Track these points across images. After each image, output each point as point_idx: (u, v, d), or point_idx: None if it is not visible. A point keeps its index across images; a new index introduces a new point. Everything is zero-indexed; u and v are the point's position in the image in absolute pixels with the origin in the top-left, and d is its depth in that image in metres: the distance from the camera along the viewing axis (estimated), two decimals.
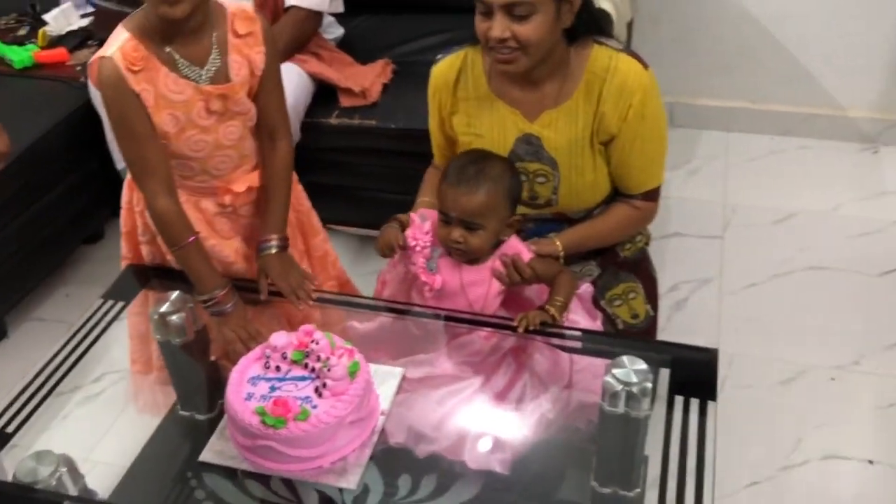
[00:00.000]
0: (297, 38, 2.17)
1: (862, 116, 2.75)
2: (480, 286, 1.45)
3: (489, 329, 1.45)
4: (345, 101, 2.18)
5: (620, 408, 1.26)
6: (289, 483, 1.23)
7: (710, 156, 2.76)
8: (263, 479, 1.24)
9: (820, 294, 2.19)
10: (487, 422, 1.37)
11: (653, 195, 1.60)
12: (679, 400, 1.30)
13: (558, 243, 1.52)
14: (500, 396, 1.40)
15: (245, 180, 1.51)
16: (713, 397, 1.29)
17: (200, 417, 1.43)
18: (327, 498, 1.21)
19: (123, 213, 1.58)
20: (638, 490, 1.25)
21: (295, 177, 1.60)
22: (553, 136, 1.51)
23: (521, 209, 1.53)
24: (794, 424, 1.86)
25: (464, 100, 1.56)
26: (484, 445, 1.31)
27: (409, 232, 1.44)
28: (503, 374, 1.43)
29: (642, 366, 1.27)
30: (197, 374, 1.48)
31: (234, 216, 1.54)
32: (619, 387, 1.25)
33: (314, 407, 1.18)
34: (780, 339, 2.06)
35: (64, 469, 1.20)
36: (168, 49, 1.36)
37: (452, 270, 1.45)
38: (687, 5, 2.72)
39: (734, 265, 2.30)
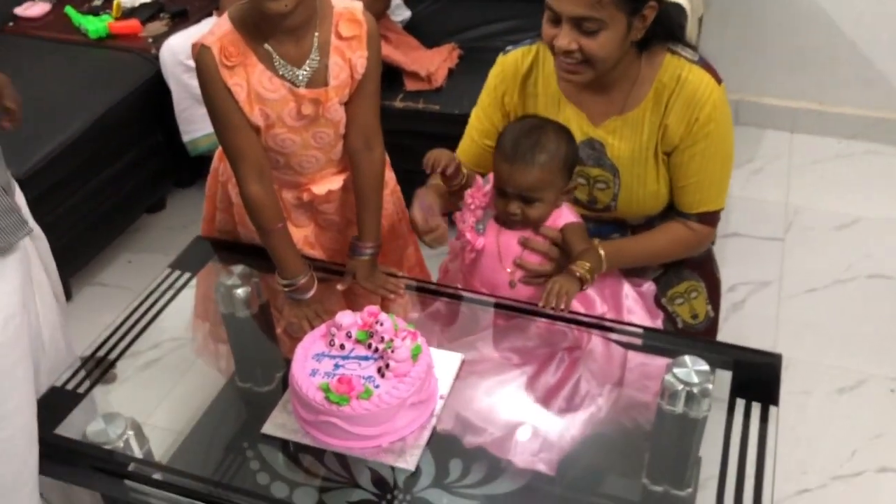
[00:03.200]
0: None
1: None
2: (517, 251, 1.45)
3: (544, 320, 1.44)
4: (410, 85, 2.19)
5: (679, 407, 1.26)
6: (342, 460, 1.24)
7: (773, 156, 2.73)
8: (317, 453, 1.25)
9: (881, 303, 2.15)
10: (536, 418, 1.35)
11: (709, 219, 1.53)
12: (740, 403, 1.28)
13: (602, 252, 1.47)
14: (552, 392, 1.39)
15: (327, 182, 1.50)
16: (775, 402, 1.28)
17: (258, 390, 1.45)
18: (379, 476, 1.23)
19: (210, 178, 1.60)
20: (690, 490, 1.23)
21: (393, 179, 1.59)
22: (616, 143, 1.48)
23: (579, 210, 1.51)
24: (850, 434, 1.83)
25: (532, 95, 1.54)
26: (531, 445, 1.29)
27: (468, 191, 1.46)
28: (556, 368, 1.41)
29: (704, 367, 1.27)
30: (257, 348, 1.51)
31: (311, 210, 1.54)
32: (680, 386, 1.25)
33: (377, 387, 1.19)
34: (838, 347, 2.04)
35: (131, 432, 1.24)
36: (267, 45, 1.33)
37: (497, 236, 1.45)
38: (758, 2, 2.68)
39: (794, 269, 2.27)
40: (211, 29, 1.32)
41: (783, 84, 2.81)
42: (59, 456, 1.25)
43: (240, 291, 1.44)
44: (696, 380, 1.25)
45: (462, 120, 2.10)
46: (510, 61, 1.55)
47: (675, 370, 1.26)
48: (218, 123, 1.37)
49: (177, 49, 2.30)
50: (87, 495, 1.46)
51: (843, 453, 1.79)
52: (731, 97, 2.75)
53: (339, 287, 1.49)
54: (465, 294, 1.51)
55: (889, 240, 2.34)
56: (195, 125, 2.36)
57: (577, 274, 1.38)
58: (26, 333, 1.25)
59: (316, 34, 1.34)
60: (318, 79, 1.36)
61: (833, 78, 2.73)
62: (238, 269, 1.47)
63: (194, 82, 2.31)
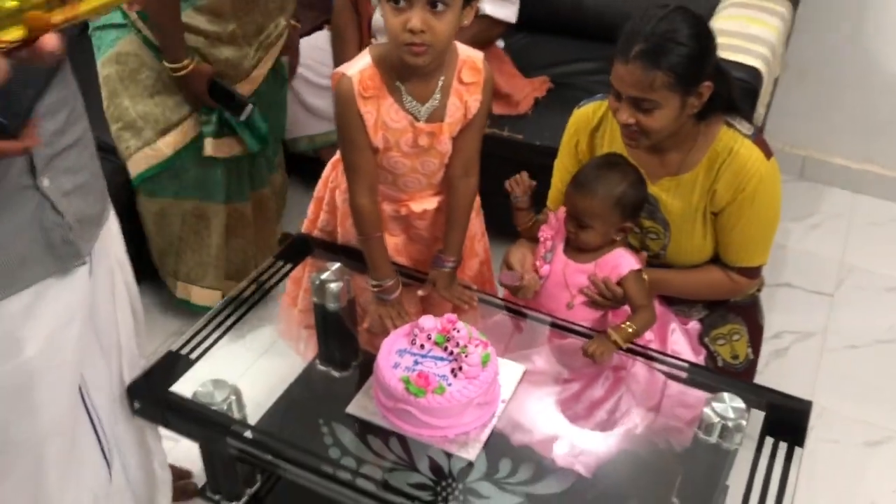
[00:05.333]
0: (478, 43, 2.35)
1: None
2: (578, 280, 1.61)
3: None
4: (497, 109, 2.33)
5: (714, 438, 1.38)
6: (405, 445, 1.41)
7: (834, 213, 2.82)
8: (383, 436, 1.41)
9: None
10: (579, 425, 1.50)
11: (749, 273, 1.65)
12: (769, 442, 1.42)
13: (645, 277, 1.60)
14: (596, 405, 1.53)
15: (425, 202, 1.65)
16: (801, 444, 1.41)
17: (335, 374, 1.62)
18: (437, 465, 1.38)
19: (320, 183, 1.78)
20: None
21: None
22: (669, 201, 1.61)
23: None
24: (872, 486, 1.94)
25: (599, 147, 1.68)
26: (572, 447, 1.44)
27: (543, 225, 1.65)
28: (601, 385, 1.56)
29: (740, 405, 1.39)
30: (340, 338, 1.67)
31: (405, 224, 1.70)
32: (717, 419, 1.38)
33: (449, 385, 1.36)
34: (872, 403, 2.14)
35: (234, 398, 1.43)
36: (398, 83, 1.49)
37: (561, 265, 1.62)
38: (835, 64, 2.78)
39: (839, 324, 2.37)
40: (352, 61, 1.51)
41: (850, 145, 2.88)
42: (172, 410, 1.44)
43: (333, 286, 1.59)
44: (731, 415, 1.37)
45: (541, 150, 2.26)
46: (583, 114, 1.70)
47: (714, 404, 1.39)
48: (344, 141, 1.55)
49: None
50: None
51: (862, 503, 1.90)
52: (799, 153, 2.87)
53: (420, 293, 1.67)
54: (527, 311, 1.66)
55: None
56: (296, 126, 2.55)
57: (613, 338, 1.51)
58: (77, 342, 1.28)
59: (442, 78, 1.50)
60: (436, 115, 1.53)
61: None
62: (334, 266, 1.62)
63: (302, 90, 2.51)
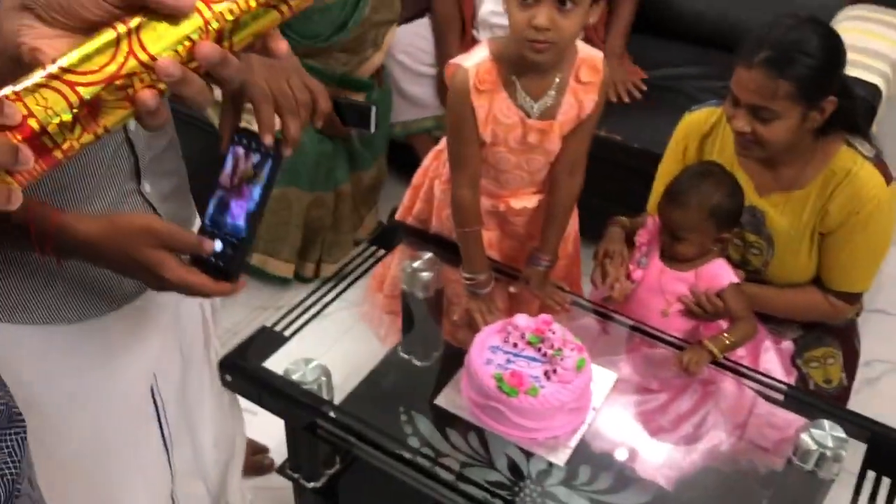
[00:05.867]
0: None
1: None
2: (675, 288, 1.58)
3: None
4: None
5: (809, 465, 1.35)
6: (484, 442, 1.40)
7: None
8: (463, 430, 1.41)
9: None
10: (664, 438, 1.49)
11: (849, 298, 1.62)
12: (870, 476, 1.37)
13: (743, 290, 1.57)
14: (682, 418, 1.51)
15: (525, 200, 1.64)
16: None
17: (416, 363, 1.63)
18: (515, 465, 1.38)
19: (419, 172, 1.79)
20: None
21: None
22: (777, 217, 1.58)
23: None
24: None
25: (709, 154, 1.64)
26: (655, 459, 1.43)
27: (640, 230, 1.64)
28: (689, 398, 1.53)
29: (841, 434, 1.34)
30: (425, 328, 1.67)
31: (502, 219, 1.69)
32: (815, 447, 1.33)
33: (542, 387, 1.34)
34: None
35: (324, 378, 1.44)
36: (514, 78, 1.48)
37: (656, 271, 1.59)
38: None
39: None
40: (469, 53, 1.50)
41: None
42: (265, 386, 1.46)
43: (424, 275, 1.59)
44: (830, 444, 1.33)
45: (637, 153, 2.23)
46: (695, 119, 1.66)
47: (813, 430, 1.35)
48: (453, 132, 1.54)
49: (395, 47, 2.47)
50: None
51: None
52: None
53: (511, 289, 1.65)
54: (616, 316, 1.64)
55: None
56: (392, 112, 2.57)
57: (709, 348, 1.49)
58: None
59: (559, 75, 1.48)
60: (549, 113, 1.51)
61: None
62: (426, 255, 1.63)
63: (400, 77, 2.52)
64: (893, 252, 2.53)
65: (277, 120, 1.00)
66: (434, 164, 1.72)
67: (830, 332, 1.71)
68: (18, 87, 0.55)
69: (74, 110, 0.56)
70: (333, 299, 1.64)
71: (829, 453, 1.33)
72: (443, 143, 1.67)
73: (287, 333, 1.54)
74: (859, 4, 2.33)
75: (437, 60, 2.52)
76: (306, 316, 1.59)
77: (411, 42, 2.49)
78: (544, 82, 1.48)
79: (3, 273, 1.00)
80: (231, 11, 0.58)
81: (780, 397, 1.51)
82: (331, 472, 1.62)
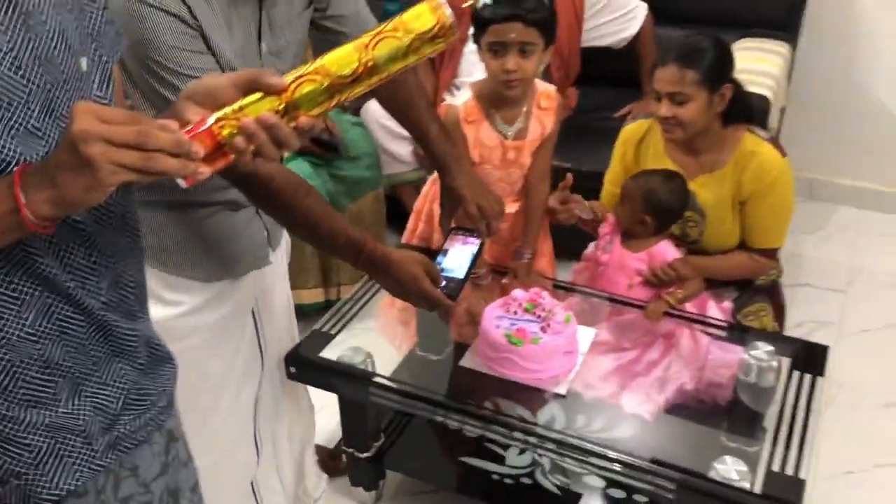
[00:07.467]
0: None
1: None
2: (634, 266, 1.99)
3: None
4: None
5: (752, 378, 1.74)
6: (498, 395, 1.74)
7: (842, 226, 3.19)
8: (482, 385, 1.76)
9: None
10: (641, 381, 1.81)
11: (769, 253, 2.04)
12: (795, 375, 1.77)
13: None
14: (652, 366, 1.87)
15: (507, 207, 1.89)
16: (822, 374, 1.76)
17: (432, 357, 1.98)
18: (525, 413, 1.70)
19: (420, 198, 2.19)
20: (757, 448, 1.62)
21: None
22: (704, 194, 2.00)
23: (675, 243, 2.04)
24: (890, 436, 2.26)
25: (644, 155, 2.09)
26: (637, 397, 1.77)
27: (601, 225, 2.07)
28: (656, 350, 1.91)
29: (771, 348, 1.75)
30: (437, 328, 2.04)
31: None
32: (753, 361, 1.73)
33: (541, 338, 1.74)
34: (889, 374, 2.48)
35: (370, 360, 1.82)
36: (492, 110, 1.92)
37: (618, 254, 2.02)
38: (835, 97, 3.17)
39: (853, 314, 2.72)
40: (458, 96, 1.95)
41: (853, 166, 3.25)
42: (323, 371, 1.83)
43: None
44: (765, 357, 1.74)
45: (584, 175, 2.64)
46: (630, 129, 2.13)
47: (751, 352, 1.75)
48: None
49: (378, 113, 2.73)
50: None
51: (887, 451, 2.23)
52: (807, 175, 3.27)
53: (504, 281, 2.06)
54: (592, 292, 2.04)
55: None
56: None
57: (666, 300, 1.92)
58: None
59: (525, 105, 1.94)
60: (520, 134, 1.96)
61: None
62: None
63: (382, 137, 2.88)
64: (808, 239, 3.05)
65: None
66: (432, 189, 2.13)
67: (760, 291, 2.12)
68: (220, 114, 0.88)
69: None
70: (361, 308, 2.02)
71: (764, 365, 1.74)
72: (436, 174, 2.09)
73: (333, 332, 1.92)
74: (748, 38, 2.85)
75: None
76: (343, 320, 1.98)
77: None
78: (515, 111, 1.94)
79: (188, 247, 1.47)
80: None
81: (724, 334, 1.93)
82: (378, 444, 1.99)
